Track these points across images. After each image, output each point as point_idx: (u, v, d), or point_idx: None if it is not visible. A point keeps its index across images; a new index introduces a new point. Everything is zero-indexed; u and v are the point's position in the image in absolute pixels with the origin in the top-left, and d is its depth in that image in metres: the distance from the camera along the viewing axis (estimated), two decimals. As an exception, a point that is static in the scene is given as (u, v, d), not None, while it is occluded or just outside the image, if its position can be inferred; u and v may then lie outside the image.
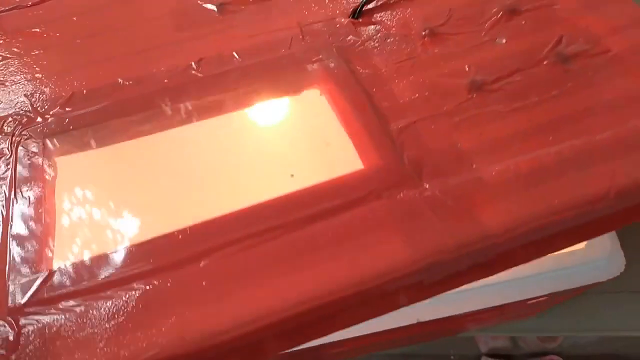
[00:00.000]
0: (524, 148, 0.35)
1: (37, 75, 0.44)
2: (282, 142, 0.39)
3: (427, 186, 0.34)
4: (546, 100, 0.37)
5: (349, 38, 0.43)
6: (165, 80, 0.42)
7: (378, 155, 0.35)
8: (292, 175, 0.35)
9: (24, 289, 0.32)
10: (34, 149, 0.39)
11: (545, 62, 0.39)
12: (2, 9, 0.51)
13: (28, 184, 0.37)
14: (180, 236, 0.33)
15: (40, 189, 0.37)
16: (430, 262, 0.31)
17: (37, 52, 0.47)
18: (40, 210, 0.36)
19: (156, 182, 0.39)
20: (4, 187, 0.37)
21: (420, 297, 0.33)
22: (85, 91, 0.42)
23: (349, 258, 0.31)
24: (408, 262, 0.31)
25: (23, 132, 0.40)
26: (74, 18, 0.49)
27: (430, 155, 0.35)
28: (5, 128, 0.40)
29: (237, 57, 0.43)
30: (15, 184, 0.37)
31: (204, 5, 0.48)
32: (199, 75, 0.42)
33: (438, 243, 0.31)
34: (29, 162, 0.38)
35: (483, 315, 0.54)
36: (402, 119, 0.37)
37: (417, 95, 0.39)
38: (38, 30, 0.49)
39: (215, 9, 0.48)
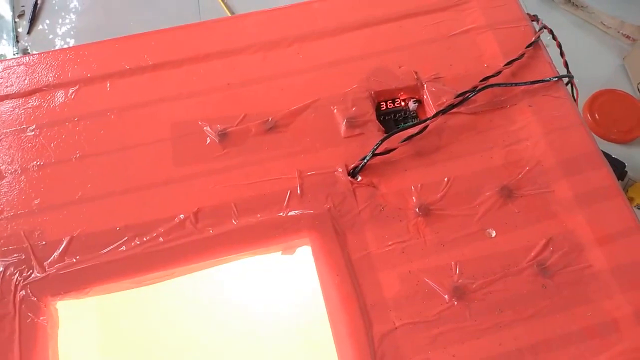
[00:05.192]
0: (489, 380, 0.38)
1: (34, 205, 0.45)
2: (271, 335, 0.42)
3: (397, 415, 0.37)
4: (519, 321, 0.40)
5: (345, 203, 0.44)
6: (161, 239, 0.43)
7: (358, 370, 0.39)
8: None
9: None
10: (36, 306, 0.41)
11: (526, 272, 0.41)
12: (-6, 95, 0.50)
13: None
14: None
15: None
16: None
17: (33, 167, 0.46)
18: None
19: None
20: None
21: None
22: (83, 238, 0.43)
23: None
24: None
25: (25, 286, 0.42)
26: (68, 124, 0.48)
27: (405, 375, 0.39)
28: (7, 279, 0.42)
29: (235, 210, 0.44)
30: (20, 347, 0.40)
31: (206, 128, 0.47)
32: (195, 236, 0.43)
33: None
34: (32, 322, 0.41)
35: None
36: (385, 322, 0.40)
37: (402, 292, 0.41)
38: (32, 133, 0.48)
39: (217, 138, 0.47)
